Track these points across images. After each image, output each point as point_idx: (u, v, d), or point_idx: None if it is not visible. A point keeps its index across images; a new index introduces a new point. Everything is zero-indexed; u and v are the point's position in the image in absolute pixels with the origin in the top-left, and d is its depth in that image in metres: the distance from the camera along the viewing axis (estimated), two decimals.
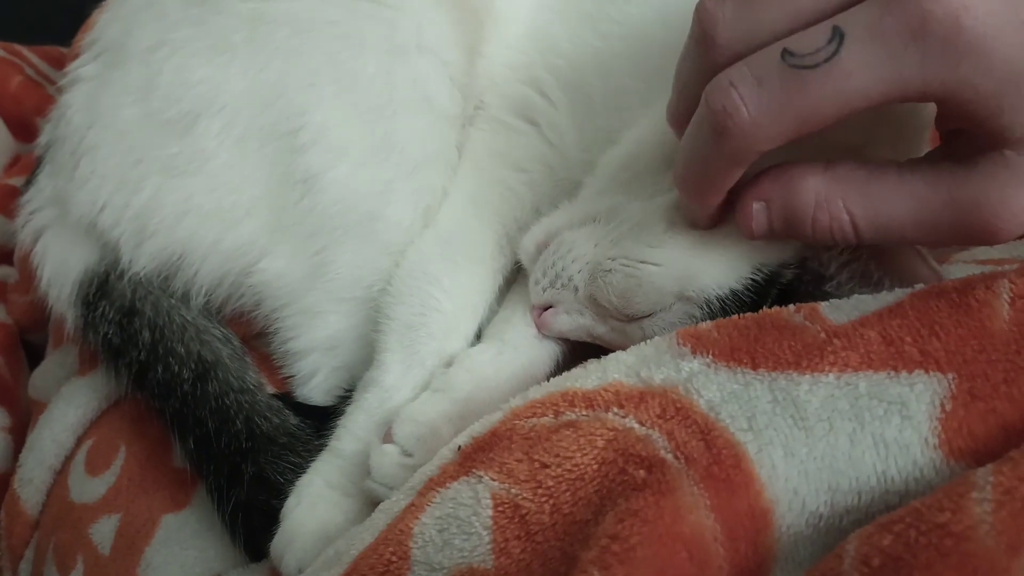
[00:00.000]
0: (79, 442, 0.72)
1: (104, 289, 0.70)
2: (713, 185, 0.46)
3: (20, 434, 0.81)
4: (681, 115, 0.47)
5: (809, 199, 0.44)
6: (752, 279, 0.51)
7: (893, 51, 0.37)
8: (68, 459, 0.72)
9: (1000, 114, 0.38)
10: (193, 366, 0.66)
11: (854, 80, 0.38)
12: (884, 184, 0.43)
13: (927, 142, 0.54)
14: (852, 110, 0.39)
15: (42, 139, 0.76)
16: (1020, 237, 0.43)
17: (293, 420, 0.66)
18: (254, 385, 0.68)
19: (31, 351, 0.93)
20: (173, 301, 0.69)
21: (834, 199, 0.44)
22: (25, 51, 1.36)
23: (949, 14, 0.36)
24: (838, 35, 0.38)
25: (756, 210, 0.46)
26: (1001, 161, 0.40)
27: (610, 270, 0.54)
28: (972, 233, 0.42)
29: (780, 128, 0.40)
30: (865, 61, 0.38)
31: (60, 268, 0.72)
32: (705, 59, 0.43)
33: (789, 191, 0.45)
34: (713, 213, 0.49)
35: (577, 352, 0.61)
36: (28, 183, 0.77)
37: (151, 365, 0.66)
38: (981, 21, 0.36)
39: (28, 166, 0.99)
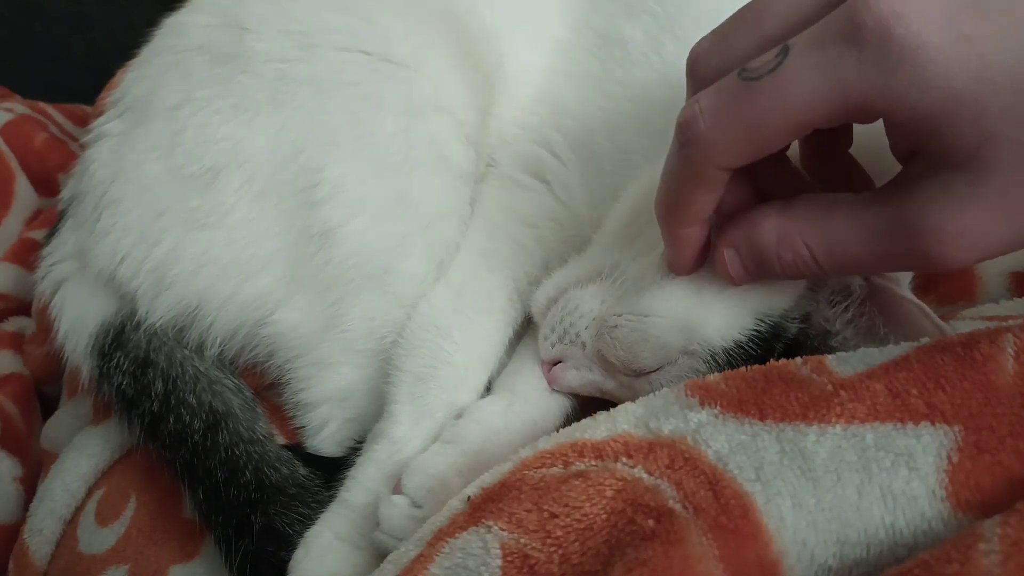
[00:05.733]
0: (90, 492, 0.72)
1: (120, 340, 0.70)
2: (684, 208, 0.47)
3: (31, 485, 0.80)
4: None
5: (771, 238, 0.46)
6: (755, 331, 0.51)
7: (830, 59, 0.38)
8: (79, 509, 0.72)
9: (939, 135, 0.38)
10: (204, 416, 0.67)
11: (795, 87, 0.39)
12: (837, 216, 0.44)
13: None
14: (798, 121, 0.40)
15: (65, 193, 0.78)
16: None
17: (302, 471, 0.66)
18: (264, 436, 0.68)
19: (45, 403, 0.93)
20: (187, 352, 0.70)
21: (792, 236, 0.45)
22: (49, 109, 1.39)
23: (880, 21, 0.36)
24: (784, 49, 0.40)
25: (728, 256, 0.48)
26: (940, 185, 0.39)
27: (616, 326, 0.55)
28: (919, 259, 0.41)
29: (732, 137, 0.42)
30: (805, 69, 0.39)
31: (78, 319, 0.73)
32: (691, 90, 0.46)
33: (752, 233, 0.47)
34: (691, 255, 0.50)
35: (587, 405, 0.62)
36: (50, 236, 0.78)
37: (163, 416, 0.67)
38: (914, 31, 0.36)
39: (49, 220, 1.01)
